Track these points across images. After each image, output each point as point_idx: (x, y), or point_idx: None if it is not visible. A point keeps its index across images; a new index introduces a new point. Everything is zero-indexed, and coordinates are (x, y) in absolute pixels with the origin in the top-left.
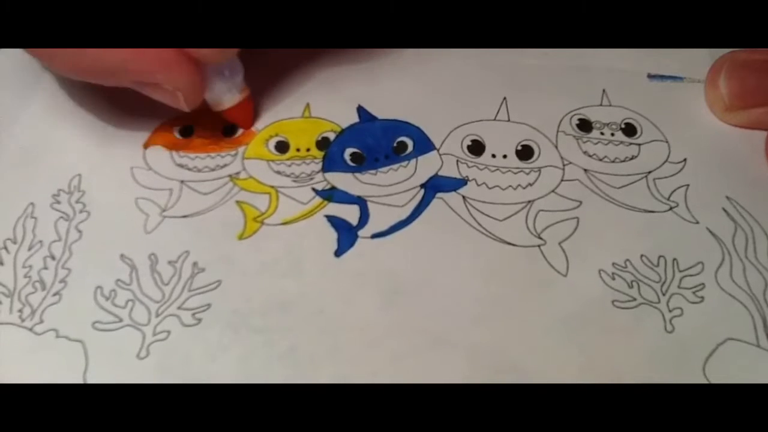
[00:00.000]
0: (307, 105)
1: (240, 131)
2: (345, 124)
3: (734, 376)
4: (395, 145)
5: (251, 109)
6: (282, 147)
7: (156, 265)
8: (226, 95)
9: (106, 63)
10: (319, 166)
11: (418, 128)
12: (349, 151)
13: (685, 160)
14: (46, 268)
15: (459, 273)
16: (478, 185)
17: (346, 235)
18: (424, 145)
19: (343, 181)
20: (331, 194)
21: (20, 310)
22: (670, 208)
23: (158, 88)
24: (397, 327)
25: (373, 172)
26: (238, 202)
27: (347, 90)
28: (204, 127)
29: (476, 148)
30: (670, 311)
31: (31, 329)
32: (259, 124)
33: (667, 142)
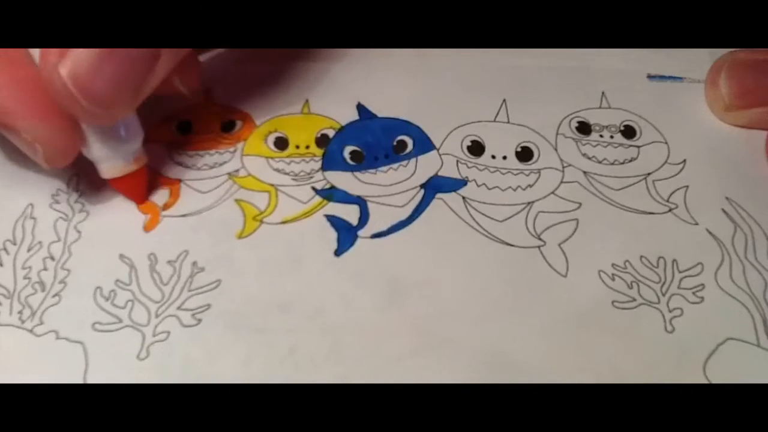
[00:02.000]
0: (306, 101)
1: (238, 127)
2: (344, 122)
3: (735, 376)
4: (395, 143)
5: (144, 184)
6: (281, 143)
7: (155, 265)
8: (112, 161)
9: None
10: (319, 164)
11: (417, 127)
12: (348, 149)
13: (684, 161)
14: (45, 269)
15: (459, 274)
16: (478, 186)
17: (346, 234)
18: (424, 144)
19: (342, 180)
20: (331, 194)
21: (20, 312)
22: (670, 210)
23: (17, 134)
24: (397, 327)
25: (372, 171)
26: (237, 200)
27: (347, 88)
28: (202, 123)
29: (476, 148)
30: (670, 311)
31: (31, 331)
32: (259, 120)
33: (666, 143)
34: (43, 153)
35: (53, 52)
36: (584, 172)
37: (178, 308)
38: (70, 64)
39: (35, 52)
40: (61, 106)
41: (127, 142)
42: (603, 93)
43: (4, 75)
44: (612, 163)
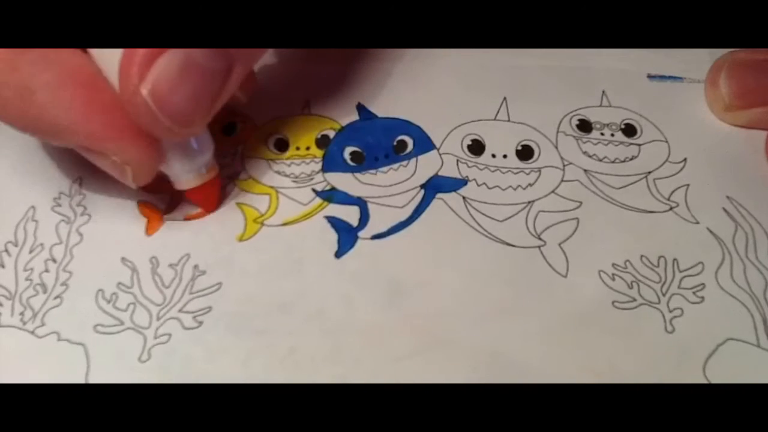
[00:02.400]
0: (307, 102)
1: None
2: (344, 122)
3: (735, 377)
4: (395, 143)
5: (217, 192)
6: (281, 145)
7: (157, 268)
8: (188, 174)
9: (52, 121)
10: (319, 165)
11: (418, 127)
12: (348, 150)
13: (685, 160)
14: (47, 271)
15: (459, 274)
16: (478, 185)
17: (347, 236)
18: (424, 144)
19: (343, 181)
20: (331, 195)
21: (22, 313)
22: (671, 208)
23: (105, 158)
24: (397, 327)
25: (373, 172)
26: (238, 203)
27: (347, 88)
28: None
29: (476, 147)
30: (670, 311)
31: (32, 332)
32: (259, 121)
33: (667, 142)
34: (131, 173)
35: (133, 73)
36: (585, 171)
37: (180, 311)
38: (151, 84)
39: (109, 69)
40: (142, 126)
41: (201, 154)
42: (603, 92)
43: (84, 101)
44: (613, 161)
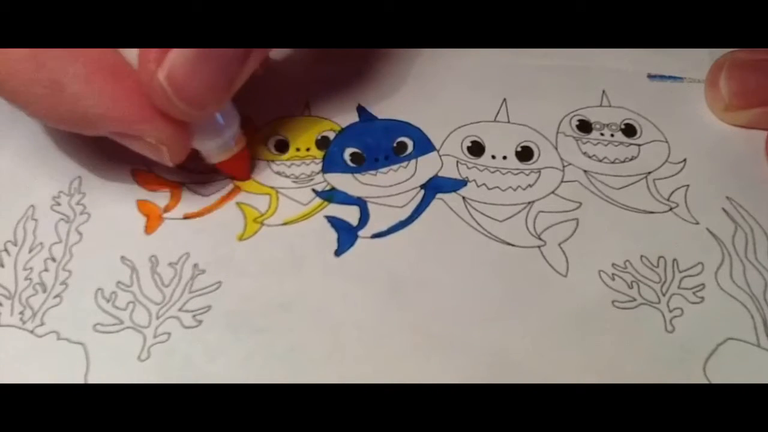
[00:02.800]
0: (307, 104)
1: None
2: (344, 124)
3: (735, 376)
4: (395, 145)
5: (247, 162)
6: (281, 146)
7: (156, 267)
8: (219, 147)
9: (85, 111)
10: (319, 166)
11: (418, 129)
12: (348, 151)
13: (685, 160)
14: (46, 270)
15: (459, 273)
16: (478, 186)
17: (346, 235)
18: (424, 145)
19: (343, 182)
20: (331, 195)
21: (21, 313)
22: (670, 209)
23: (140, 140)
24: (397, 327)
25: (373, 172)
26: (238, 203)
27: (347, 89)
28: None
29: (476, 149)
30: (670, 311)
31: (32, 332)
32: (259, 122)
33: (667, 142)
34: (168, 152)
35: (151, 59)
36: (584, 171)
37: (179, 310)
38: (167, 69)
39: (130, 56)
40: (161, 108)
41: (228, 128)
42: (603, 92)
43: (114, 89)
44: (612, 162)
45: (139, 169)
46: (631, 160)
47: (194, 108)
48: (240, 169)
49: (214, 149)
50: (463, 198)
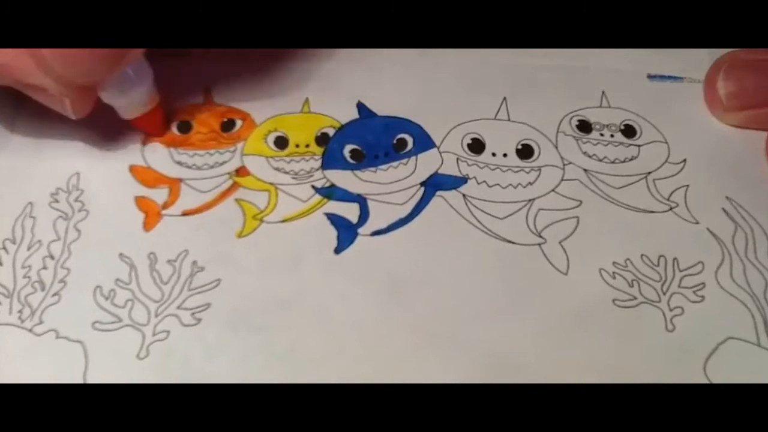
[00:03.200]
0: (307, 100)
1: (239, 126)
2: (344, 120)
3: (735, 376)
4: (395, 142)
5: (160, 119)
6: (281, 142)
7: (155, 264)
8: (130, 104)
9: None
10: (319, 162)
11: (418, 125)
12: (348, 147)
13: (684, 160)
14: (45, 268)
15: (459, 271)
16: (478, 183)
17: (346, 232)
18: (424, 142)
19: (342, 178)
20: (330, 192)
21: (20, 311)
22: (670, 209)
23: (44, 92)
24: (397, 325)
25: (372, 169)
26: (237, 200)
27: (347, 87)
28: (202, 122)
29: (476, 146)
30: (670, 310)
31: (30, 330)
32: (259, 119)
33: (666, 142)
34: (70, 105)
35: None
36: (585, 170)
37: (178, 307)
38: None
39: None
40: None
41: (139, 85)
42: (603, 92)
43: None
44: (612, 161)
45: (137, 166)
46: (631, 160)
47: (80, 76)
48: (152, 127)
49: (125, 105)
50: (464, 195)
